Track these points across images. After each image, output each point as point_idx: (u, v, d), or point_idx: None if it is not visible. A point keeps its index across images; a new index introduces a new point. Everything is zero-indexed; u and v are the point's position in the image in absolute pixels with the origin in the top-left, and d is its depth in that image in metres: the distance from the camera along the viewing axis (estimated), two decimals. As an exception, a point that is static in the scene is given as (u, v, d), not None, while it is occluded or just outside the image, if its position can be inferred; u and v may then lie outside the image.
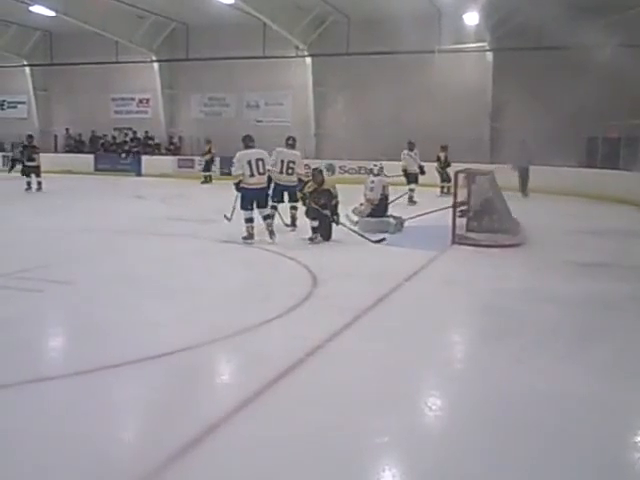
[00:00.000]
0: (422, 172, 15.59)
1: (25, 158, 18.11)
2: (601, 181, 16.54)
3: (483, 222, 9.99)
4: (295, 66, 23.73)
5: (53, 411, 3.75)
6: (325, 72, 23.44)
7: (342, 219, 10.23)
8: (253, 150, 9.59)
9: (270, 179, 9.83)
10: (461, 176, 9.96)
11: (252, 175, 9.35)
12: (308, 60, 23.46)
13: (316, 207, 9.54)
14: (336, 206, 9.74)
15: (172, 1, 22.17)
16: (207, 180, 21.64)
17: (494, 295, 6.73)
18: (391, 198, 11.37)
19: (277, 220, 10.67)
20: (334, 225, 9.75)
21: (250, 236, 9.42)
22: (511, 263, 8.44)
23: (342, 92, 23.30)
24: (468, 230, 9.81)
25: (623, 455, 3.43)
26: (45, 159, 22.74)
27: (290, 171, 10.58)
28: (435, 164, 17.56)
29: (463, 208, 9.83)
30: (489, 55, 21.22)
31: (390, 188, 11.38)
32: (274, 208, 10.78)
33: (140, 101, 26.90)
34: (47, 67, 27.29)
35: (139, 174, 24.29)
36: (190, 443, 3.30)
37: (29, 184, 17.61)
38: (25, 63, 27.57)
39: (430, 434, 3.68)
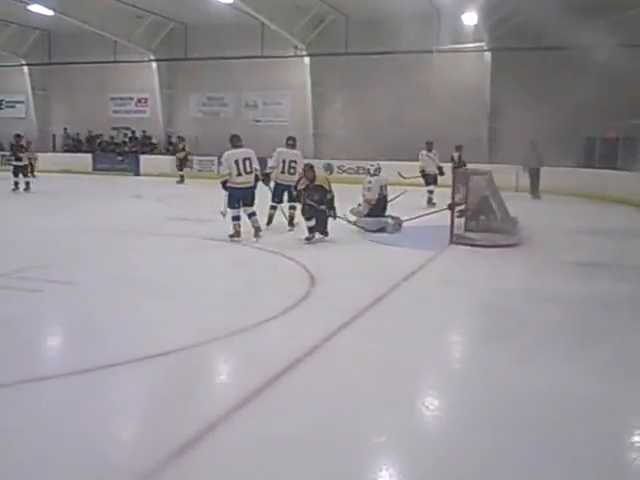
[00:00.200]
0: (441, 173, 14.98)
1: (13, 158, 17.89)
2: (599, 181, 16.55)
3: (481, 222, 10.00)
4: (294, 66, 23.73)
5: (52, 410, 3.74)
6: (324, 72, 23.45)
7: (340, 218, 10.22)
8: (240, 150, 9.71)
9: (257, 178, 9.83)
10: (459, 176, 9.97)
11: (239, 174, 9.50)
12: (307, 60, 23.46)
13: (311, 203, 9.54)
14: (332, 200, 9.74)
15: (171, 1, 22.17)
16: (182, 180, 21.25)
17: (493, 295, 6.73)
18: (390, 197, 11.34)
19: (280, 218, 10.71)
20: (332, 220, 9.74)
21: (237, 234, 9.54)
22: (510, 263, 8.45)
23: (341, 92, 23.30)
24: (466, 230, 9.81)
25: (623, 455, 3.43)
26: (43, 159, 22.93)
27: (292, 170, 10.66)
28: (449, 164, 17.28)
29: (461, 208, 9.83)
30: (487, 55, 21.24)
31: (389, 187, 11.36)
32: (274, 208, 10.80)
33: (138, 101, 26.88)
34: (45, 66, 27.27)
35: (137, 174, 24.29)
36: (189, 442, 3.30)
37: (16, 184, 17.37)
38: (23, 62, 27.54)
39: (429, 434, 3.68)
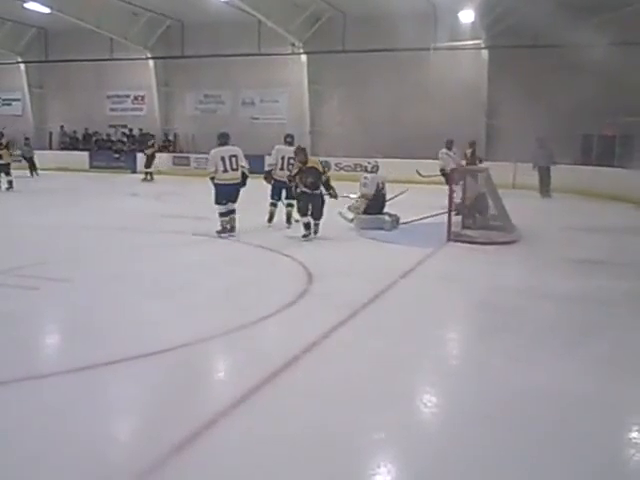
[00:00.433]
0: None
1: None
2: (596, 178, 16.56)
3: (478, 219, 10.02)
4: (291, 63, 23.72)
5: (50, 409, 3.74)
6: (321, 69, 23.43)
7: (337, 216, 10.23)
8: (227, 147, 9.82)
9: (244, 175, 9.86)
10: (456, 174, 9.98)
11: (225, 171, 9.63)
12: (304, 57, 23.44)
13: (304, 189, 9.55)
14: (328, 181, 9.75)
15: (167, -2, 22.17)
16: (148, 177, 21.09)
17: (490, 292, 6.74)
18: (389, 196, 11.33)
19: (281, 215, 10.70)
20: (334, 200, 9.78)
21: (224, 230, 9.69)
22: (507, 260, 8.46)
23: (338, 89, 23.31)
24: (464, 227, 9.83)
25: (621, 451, 3.44)
26: (40, 156, 22.89)
27: (290, 167, 10.62)
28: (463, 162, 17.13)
29: (457, 204, 9.85)
30: (484, 53, 21.25)
31: (387, 186, 11.36)
32: (274, 205, 10.79)
33: (135, 98, 26.84)
34: (42, 64, 27.23)
35: (134, 171, 24.25)
36: (187, 440, 3.30)
37: None
38: (20, 60, 27.50)
39: (427, 431, 3.68)
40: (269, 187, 10.85)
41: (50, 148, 27.23)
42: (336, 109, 23.54)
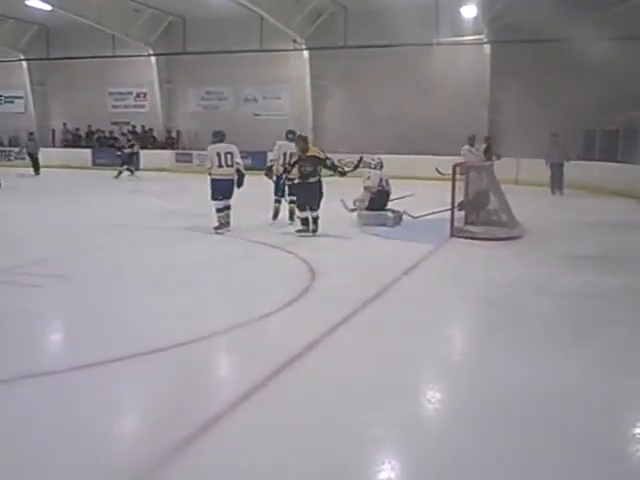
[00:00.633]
0: None
1: None
2: (599, 174, 16.52)
3: (481, 215, 10.01)
4: (293, 59, 23.71)
5: (53, 406, 3.74)
6: (323, 65, 23.40)
7: (339, 211, 10.20)
8: (223, 144, 9.98)
9: (239, 172, 9.91)
10: (458, 169, 9.96)
11: (220, 166, 9.79)
12: (306, 53, 23.42)
13: (299, 180, 9.56)
14: (334, 164, 9.75)
15: (169, -6, 22.17)
16: (119, 175, 20.87)
17: (493, 288, 6.73)
18: (393, 196, 11.31)
19: (285, 212, 10.68)
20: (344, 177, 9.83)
21: (221, 225, 9.81)
22: (510, 256, 8.45)
23: (340, 85, 23.30)
24: (467, 223, 9.82)
25: (622, 447, 3.44)
26: (43, 154, 22.89)
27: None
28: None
29: (460, 200, 9.84)
30: (487, 48, 21.21)
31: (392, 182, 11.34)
32: (278, 202, 10.79)
33: (137, 95, 26.85)
34: (44, 61, 27.25)
35: (137, 168, 24.22)
36: (192, 436, 3.31)
37: None
38: (22, 57, 27.52)
39: (429, 427, 3.68)
40: (271, 184, 10.83)
41: (53, 145, 27.24)
42: (338, 105, 23.52)
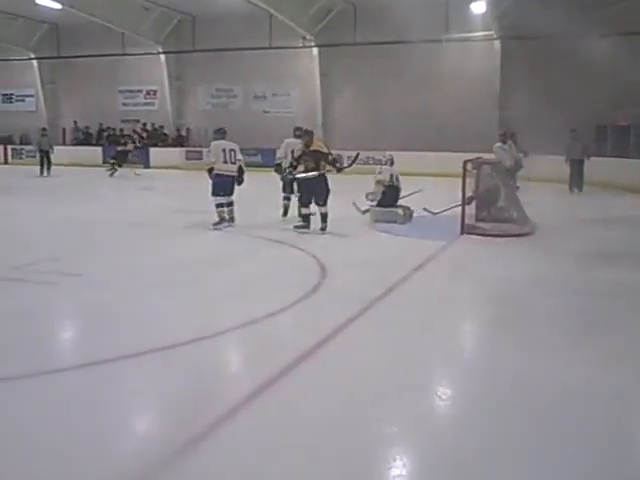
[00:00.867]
0: (519, 166, 13.46)
1: None
2: (611, 170, 16.40)
3: (492, 212, 9.98)
4: (302, 57, 23.69)
5: (66, 402, 3.77)
6: (332, 62, 23.37)
7: (350, 209, 10.17)
8: (225, 141, 10.22)
9: (241, 170, 10.15)
10: (469, 166, 9.94)
11: (225, 162, 9.99)
12: (315, 50, 23.40)
13: (303, 175, 9.57)
14: (335, 160, 9.72)
15: (178, -8, 22.19)
16: (112, 173, 20.71)
17: (504, 285, 6.72)
18: (403, 193, 11.29)
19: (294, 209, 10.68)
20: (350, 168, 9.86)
21: (221, 221, 9.96)
22: (521, 253, 8.43)
23: (349, 82, 23.27)
24: (477, 220, 9.79)
25: (632, 443, 3.44)
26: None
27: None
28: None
29: (470, 195, 9.81)
30: (497, 44, 21.11)
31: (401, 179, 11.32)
32: (287, 199, 10.80)
33: (147, 93, 26.91)
34: (54, 60, 27.32)
35: (147, 166, 24.30)
36: (202, 433, 3.33)
37: None
38: (32, 56, 27.61)
39: (441, 423, 3.68)
40: (280, 181, 10.84)
41: (64, 144, 27.33)
42: (348, 102, 23.49)
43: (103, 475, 3.01)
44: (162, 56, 25.56)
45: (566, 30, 17.75)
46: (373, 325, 5.33)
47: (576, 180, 16.00)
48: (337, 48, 22.75)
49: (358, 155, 11.11)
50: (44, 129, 22.45)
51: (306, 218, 9.60)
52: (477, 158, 10.55)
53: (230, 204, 10.08)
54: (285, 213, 10.79)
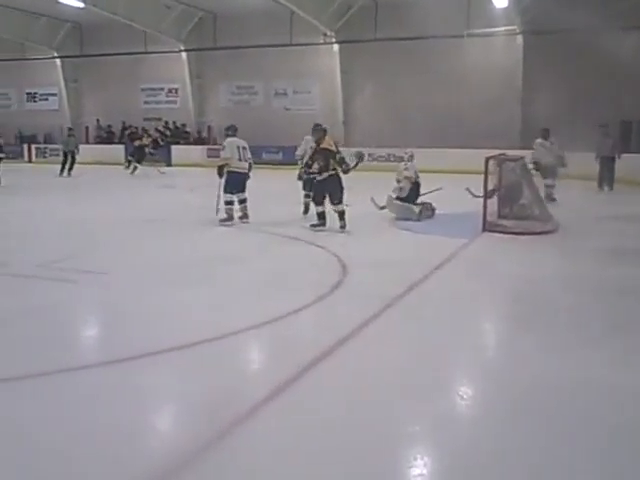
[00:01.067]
0: (563, 164, 13.16)
1: None
2: (636, 166, 16.16)
3: (514, 209, 9.89)
4: (323, 53, 23.67)
5: (87, 399, 3.78)
6: (353, 59, 23.34)
7: (369, 206, 10.11)
8: (237, 138, 10.33)
9: (250, 167, 10.25)
10: (491, 162, 9.84)
11: (240, 160, 10.10)
12: (335, 47, 23.37)
13: (315, 174, 9.56)
14: (343, 159, 9.64)
15: (199, -10, 22.27)
16: (133, 170, 20.90)
17: (526, 283, 6.64)
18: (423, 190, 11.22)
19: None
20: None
21: (229, 218, 10.02)
22: (544, 250, 8.34)
23: (370, 78, 23.20)
24: (499, 217, 9.70)
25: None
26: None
27: None
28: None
29: (491, 189, 9.71)
30: (519, 38, 20.92)
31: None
32: (308, 196, 10.78)
33: (169, 91, 27.07)
34: (77, 59, 27.58)
35: (169, 164, 24.43)
36: (220, 433, 3.33)
37: None
38: (56, 55, 27.88)
39: (462, 423, 3.65)
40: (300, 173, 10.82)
41: (86, 142, 27.56)
42: (369, 98, 23.43)
43: (119, 475, 3.01)
44: (183, 54, 25.69)
45: (590, 24, 17.56)
46: (394, 324, 5.30)
47: (606, 178, 15.55)
48: (358, 45, 22.70)
49: (362, 155, 11.02)
50: (71, 129, 22.65)
51: (321, 216, 9.58)
52: (499, 155, 10.45)
53: (243, 201, 10.16)
54: (306, 211, 10.78)
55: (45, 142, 28.16)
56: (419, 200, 10.84)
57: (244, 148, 10.19)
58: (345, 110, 23.85)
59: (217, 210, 10.14)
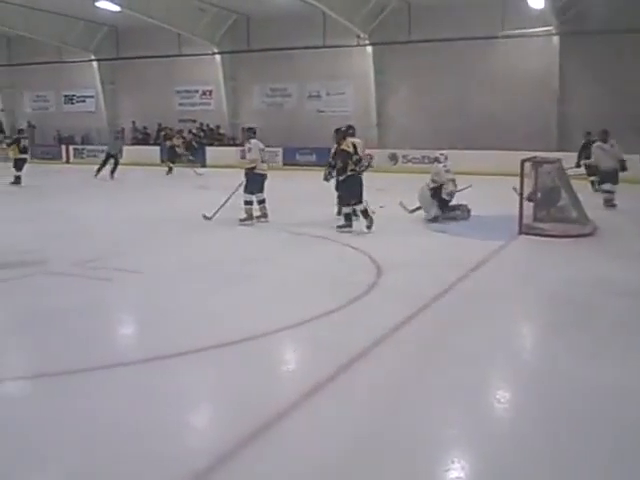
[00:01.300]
0: (623, 168, 12.39)
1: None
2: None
3: (552, 212, 9.76)
4: (356, 55, 23.60)
5: (123, 396, 3.83)
6: (386, 60, 23.23)
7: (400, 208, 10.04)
8: (258, 141, 10.46)
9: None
10: (527, 165, 9.72)
11: (263, 161, 10.36)
12: (369, 49, 23.29)
13: (335, 175, 9.72)
14: (359, 161, 9.64)
15: (233, -7, 22.39)
16: (169, 171, 21.40)
17: (564, 286, 6.54)
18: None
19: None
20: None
21: (250, 217, 10.23)
22: (581, 254, 8.21)
23: (404, 80, 23.07)
24: (535, 220, 9.58)
25: None
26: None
27: None
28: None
29: (530, 192, 9.59)
30: (555, 39, 20.62)
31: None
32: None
33: (203, 93, 27.24)
34: (114, 61, 27.93)
35: (204, 165, 24.58)
36: (262, 428, 3.35)
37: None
38: (93, 58, 28.28)
39: (498, 426, 3.61)
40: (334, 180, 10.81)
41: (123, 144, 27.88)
42: (403, 100, 23.30)
43: (156, 471, 3.04)
44: (217, 56, 25.84)
45: (628, 23, 17.25)
46: (430, 325, 5.28)
47: None
48: (391, 46, 22.60)
49: (372, 158, 11.05)
50: (118, 132, 22.99)
51: (347, 217, 9.58)
52: (534, 157, 10.32)
53: (262, 201, 10.33)
54: (339, 211, 10.76)
55: (82, 143, 28.57)
56: (454, 202, 10.74)
57: (263, 150, 10.43)
58: (379, 112, 23.75)
59: (209, 217, 10.29)
